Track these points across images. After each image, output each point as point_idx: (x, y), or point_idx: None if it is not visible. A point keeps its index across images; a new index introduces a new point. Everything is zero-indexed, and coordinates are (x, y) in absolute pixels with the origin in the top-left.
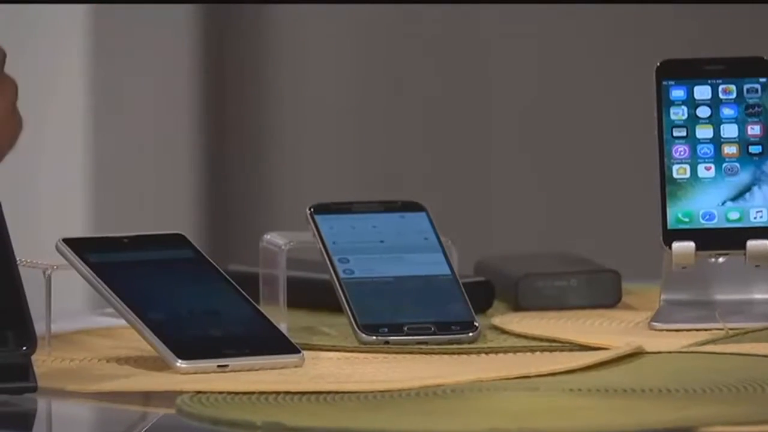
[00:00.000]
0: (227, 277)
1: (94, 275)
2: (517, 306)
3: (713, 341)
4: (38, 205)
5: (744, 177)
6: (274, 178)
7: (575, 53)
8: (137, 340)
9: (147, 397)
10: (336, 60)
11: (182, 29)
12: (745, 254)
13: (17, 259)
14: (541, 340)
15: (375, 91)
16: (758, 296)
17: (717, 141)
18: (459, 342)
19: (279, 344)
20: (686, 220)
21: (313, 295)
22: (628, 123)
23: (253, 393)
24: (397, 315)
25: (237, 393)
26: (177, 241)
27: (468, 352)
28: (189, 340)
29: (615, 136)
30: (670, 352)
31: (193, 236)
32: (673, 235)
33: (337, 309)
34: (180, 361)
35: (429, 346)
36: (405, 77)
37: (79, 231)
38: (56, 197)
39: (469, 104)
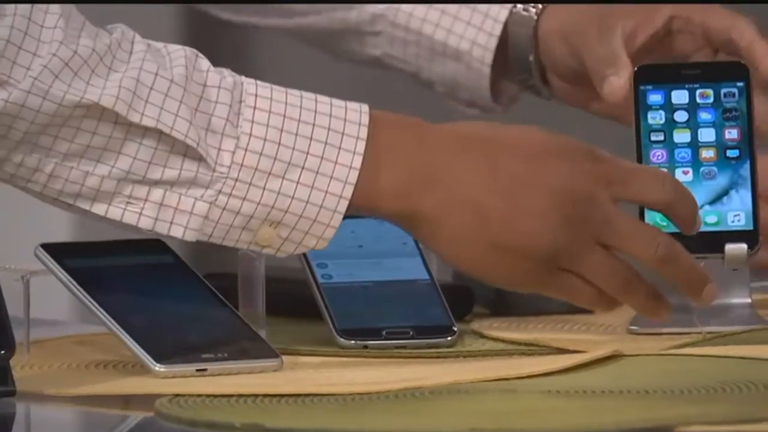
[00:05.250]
0: (206, 282)
1: (73, 281)
2: (496, 311)
3: (691, 344)
4: (18, 209)
5: (721, 181)
6: None
7: None
8: (116, 345)
9: (126, 401)
10: (324, 66)
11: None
12: (723, 258)
13: None
14: (519, 344)
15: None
16: (736, 300)
17: (694, 145)
18: (437, 346)
19: (258, 349)
20: (663, 224)
21: (291, 299)
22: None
23: (231, 395)
24: (375, 319)
25: (215, 396)
26: (156, 246)
27: (446, 356)
28: (167, 345)
29: (605, 140)
30: (648, 355)
31: (172, 241)
32: None
33: (315, 314)
34: (158, 365)
35: (408, 350)
36: (391, 83)
37: (60, 236)
38: (37, 202)
39: (454, 117)
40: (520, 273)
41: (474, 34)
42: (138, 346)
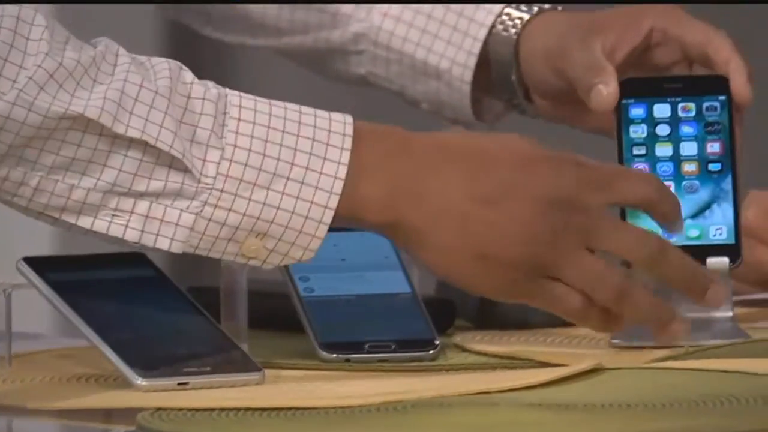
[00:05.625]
0: (187, 295)
1: (55, 294)
2: (479, 324)
3: (673, 358)
4: (2, 222)
5: (703, 194)
6: None
7: None
8: (98, 359)
9: (108, 415)
10: (307, 75)
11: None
12: None
13: None
14: (501, 357)
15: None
16: (717, 314)
17: (676, 159)
18: (420, 359)
19: (239, 362)
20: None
21: (273, 313)
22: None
23: (213, 409)
24: (358, 333)
25: (197, 409)
26: (137, 260)
27: (429, 370)
28: (149, 359)
29: (588, 152)
30: (630, 369)
31: (154, 255)
32: None
33: (298, 327)
34: (140, 379)
35: (390, 364)
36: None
37: (43, 250)
38: (18, 215)
39: (443, 123)
40: (506, 283)
41: (453, 53)
42: (120, 360)
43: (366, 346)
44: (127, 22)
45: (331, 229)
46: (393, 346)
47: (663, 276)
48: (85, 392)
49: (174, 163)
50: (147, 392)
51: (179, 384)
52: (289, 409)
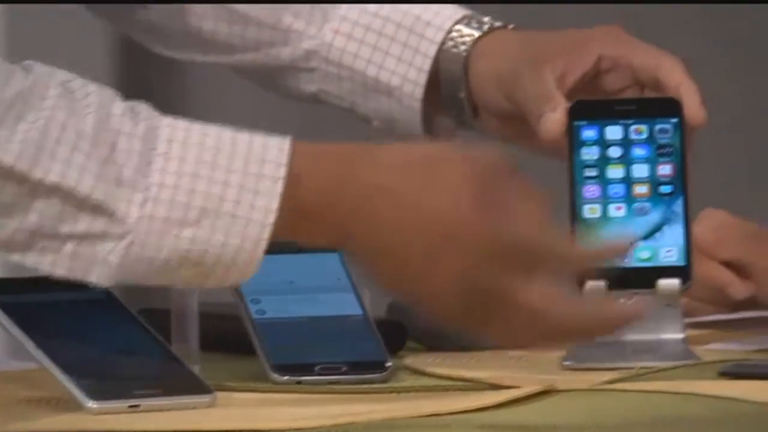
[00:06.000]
0: (138, 317)
1: (5, 317)
2: (430, 346)
3: (625, 380)
4: None
5: (654, 216)
6: None
7: None
8: (49, 381)
9: None
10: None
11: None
12: (655, 294)
13: None
14: (453, 379)
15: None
16: (668, 336)
17: (628, 181)
18: (371, 382)
19: (191, 384)
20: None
21: (225, 335)
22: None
23: (164, 431)
24: (309, 355)
25: None
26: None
27: (380, 392)
28: (100, 381)
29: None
30: (582, 390)
31: None
32: (584, 275)
33: (249, 349)
34: (91, 401)
35: (341, 386)
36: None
37: None
38: None
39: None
40: (456, 311)
41: (405, 70)
42: (70, 383)
43: (317, 368)
44: (78, 39)
45: (282, 252)
46: (344, 368)
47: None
48: (35, 415)
49: (98, 206)
50: (98, 415)
51: (130, 406)
52: (241, 431)
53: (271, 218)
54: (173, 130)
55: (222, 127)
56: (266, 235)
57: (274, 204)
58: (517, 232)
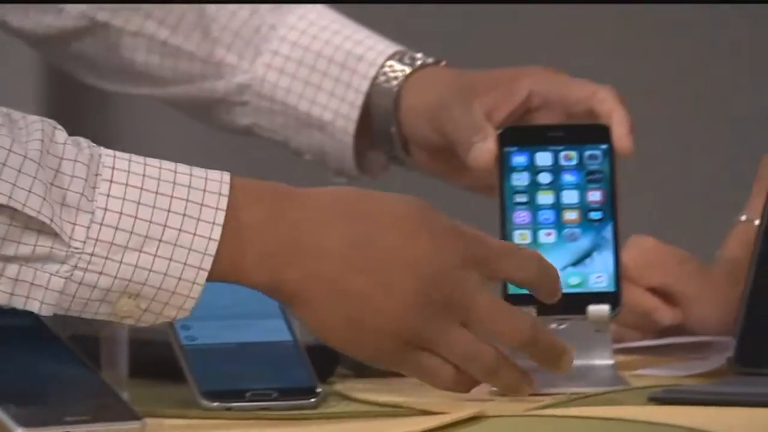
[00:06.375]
0: (68, 344)
1: None
2: (360, 372)
3: (554, 405)
4: None
5: (584, 243)
6: None
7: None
8: None
9: None
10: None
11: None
12: (585, 319)
13: None
14: (383, 405)
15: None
16: (598, 362)
17: (558, 207)
18: (301, 408)
19: (120, 411)
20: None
21: (155, 361)
22: None
23: None
24: (239, 381)
25: None
26: (16, 309)
27: (310, 418)
28: (29, 408)
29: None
30: (511, 416)
31: None
32: (514, 300)
33: (179, 375)
34: (21, 428)
35: (271, 412)
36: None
37: None
38: None
39: None
40: (379, 352)
41: (337, 105)
42: (0, 410)
43: (247, 394)
44: (8, 70)
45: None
46: (274, 395)
47: (529, 354)
48: None
49: (43, 228)
50: None
51: None
52: None
53: (213, 248)
54: (115, 159)
55: (162, 160)
56: (207, 265)
57: (216, 234)
58: (476, 234)
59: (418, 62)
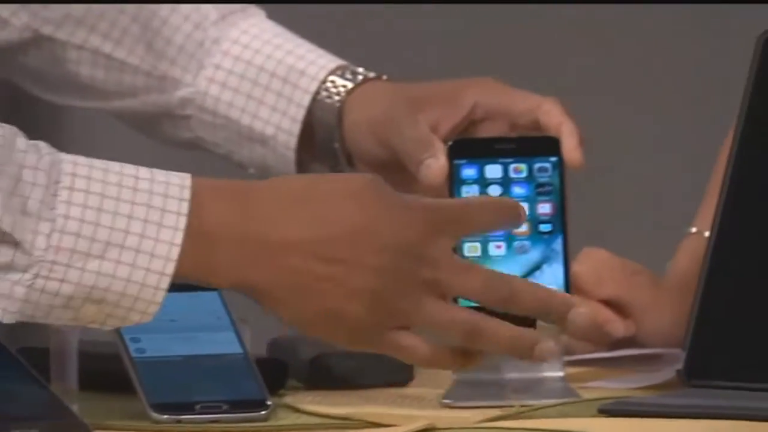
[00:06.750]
0: (17, 356)
1: None
2: (310, 384)
3: (505, 417)
4: None
5: (534, 255)
6: None
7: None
8: None
9: None
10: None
11: None
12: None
13: None
14: (333, 418)
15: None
16: (547, 374)
17: None
18: (251, 420)
19: (69, 424)
20: None
21: (104, 374)
22: None
23: None
24: (189, 394)
25: None
26: None
27: (260, 430)
28: None
29: None
30: (461, 428)
31: None
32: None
33: (129, 388)
34: None
35: (221, 425)
36: None
37: None
38: None
39: None
40: (359, 334)
41: (278, 119)
42: None
43: (197, 406)
44: None
45: None
46: (224, 407)
47: (519, 310)
48: None
49: (4, 237)
50: None
51: None
52: None
53: (175, 253)
54: (75, 165)
55: (123, 164)
56: (170, 270)
57: (178, 239)
58: (435, 200)
59: (360, 77)
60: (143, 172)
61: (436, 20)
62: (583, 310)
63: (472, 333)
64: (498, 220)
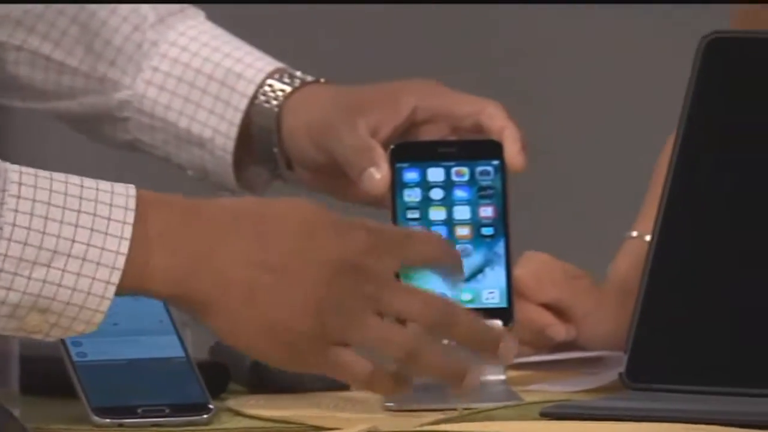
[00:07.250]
0: None
1: None
2: (252, 388)
3: (447, 421)
4: None
5: (476, 258)
6: None
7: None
8: None
9: None
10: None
11: None
12: None
13: None
14: (275, 421)
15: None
16: (490, 377)
17: (450, 223)
18: (194, 424)
19: (11, 428)
20: None
21: (46, 377)
22: None
23: None
24: (131, 397)
25: None
26: None
27: None
28: None
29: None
30: None
31: None
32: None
33: (71, 392)
34: None
35: (164, 429)
36: None
37: None
38: None
39: None
40: (294, 353)
41: (216, 123)
42: None
43: (139, 410)
44: None
45: None
46: (167, 411)
47: (454, 337)
48: None
49: None
50: None
51: None
52: None
53: (121, 262)
54: (21, 174)
55: (68, 174)
56: (115, 279)
57: (124, 248)
58: (376, 223)
59: (297, 81)
60: (88, 181)
61: (437, 20)
62: (510, 345)
63: (409, 356)
64: (438, 255)
